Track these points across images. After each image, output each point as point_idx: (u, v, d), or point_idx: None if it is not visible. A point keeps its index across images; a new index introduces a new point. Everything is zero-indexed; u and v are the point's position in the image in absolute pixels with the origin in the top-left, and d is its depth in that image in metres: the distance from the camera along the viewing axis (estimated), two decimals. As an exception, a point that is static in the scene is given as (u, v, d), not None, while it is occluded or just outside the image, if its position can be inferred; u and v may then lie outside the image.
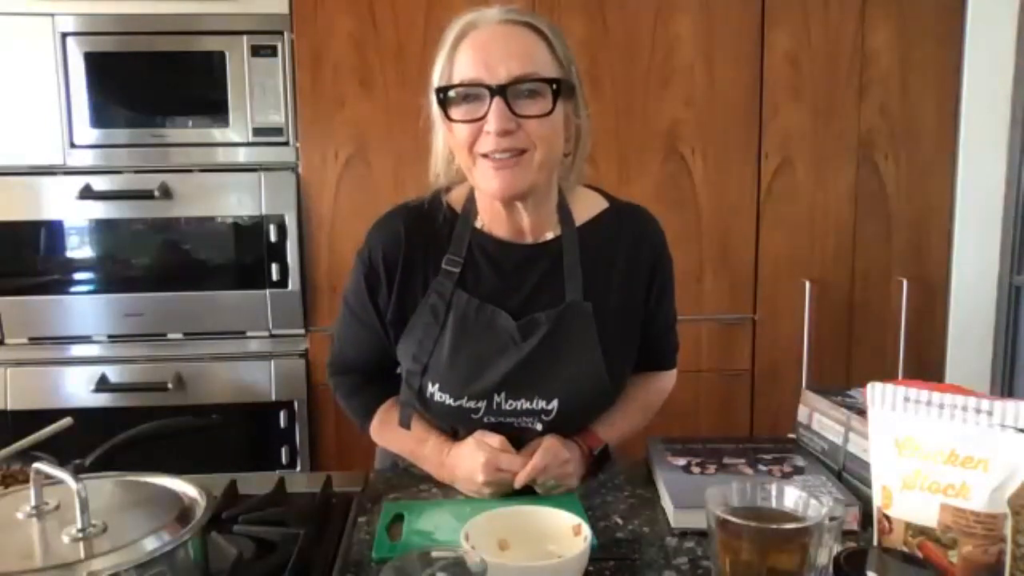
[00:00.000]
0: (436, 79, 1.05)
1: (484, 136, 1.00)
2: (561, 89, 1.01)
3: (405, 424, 1.14)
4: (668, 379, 1.30)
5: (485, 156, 1.02)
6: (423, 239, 1.12)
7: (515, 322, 1.08)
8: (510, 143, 1.00)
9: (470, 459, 1.05)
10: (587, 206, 1.16)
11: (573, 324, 1.09)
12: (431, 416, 1.15)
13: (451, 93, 1.01)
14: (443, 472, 1.11)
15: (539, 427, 1.11)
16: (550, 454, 1.05)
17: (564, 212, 1.14)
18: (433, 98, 1.05)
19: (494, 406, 1.09)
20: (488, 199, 1.09)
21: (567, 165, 1.12)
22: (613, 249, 1.14)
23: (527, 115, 0.99)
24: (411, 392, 1.11)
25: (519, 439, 1.09)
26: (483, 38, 1.01)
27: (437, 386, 1.09)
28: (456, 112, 1.02)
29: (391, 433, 1.19)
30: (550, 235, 1.13)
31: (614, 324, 1.12)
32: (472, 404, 1.09)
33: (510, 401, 1.09)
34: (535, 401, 1.09)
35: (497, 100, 0.98)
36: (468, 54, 1.01)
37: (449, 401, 1.09)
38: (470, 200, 1.14)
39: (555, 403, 1.09)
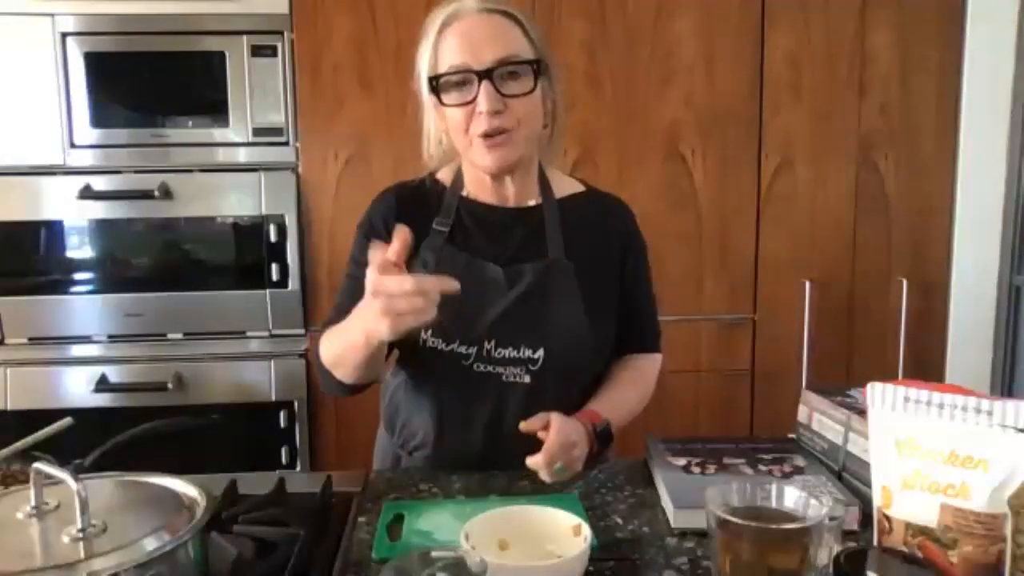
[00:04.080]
0: (423, 68, 1.14)
1: (477, 117, 1.09)
2: (540, 68, 1.12)
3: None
4: (654, 362, 1.32)
5: (479, 137, 1.10)
6: (415, 206, 1.21)
7: (502, 270, 1.16)
8: (500, 122, 1.09)
9: (367, 301, 0.93)
10: (565, 185, 1.27)
11: (556, 278, 1.17)
12: (424, 367, 1.17)
13: (443, 80, 1.10)
14: (361, 331, 0.99)
15: (527, 379, 1.15)
16: (562, 433, 1.04)
17: (544, 184, 1.24)
18: (425, 86, 1.14)
19: (484, 353, 1.14)
20: (477, 171, 1.18)
21: (546, 138, 1.22)
22: (587, 225, 1.23)
23: (512, 95, 1.09)
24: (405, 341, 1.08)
25: (509, 395, 1.14)
26: (465, 27, 1.10)
27: (429, 332, 1.13)
28: (448, 98, 1.11)
29: (331, 338, 1.12)
30: (532, 202, 1.22)
31: (592, 288, 1.19)
32: (463, 349, 1.14)
33: (499, 349, 1.14)
34: (522, 349, 1.14)
35: (485, 83, 1.08)
36: (454, 42, 1.10)
37: (441, 346, 1.14)
38: (458, 175, 1.23)
39: (541, 352, 1.14)
